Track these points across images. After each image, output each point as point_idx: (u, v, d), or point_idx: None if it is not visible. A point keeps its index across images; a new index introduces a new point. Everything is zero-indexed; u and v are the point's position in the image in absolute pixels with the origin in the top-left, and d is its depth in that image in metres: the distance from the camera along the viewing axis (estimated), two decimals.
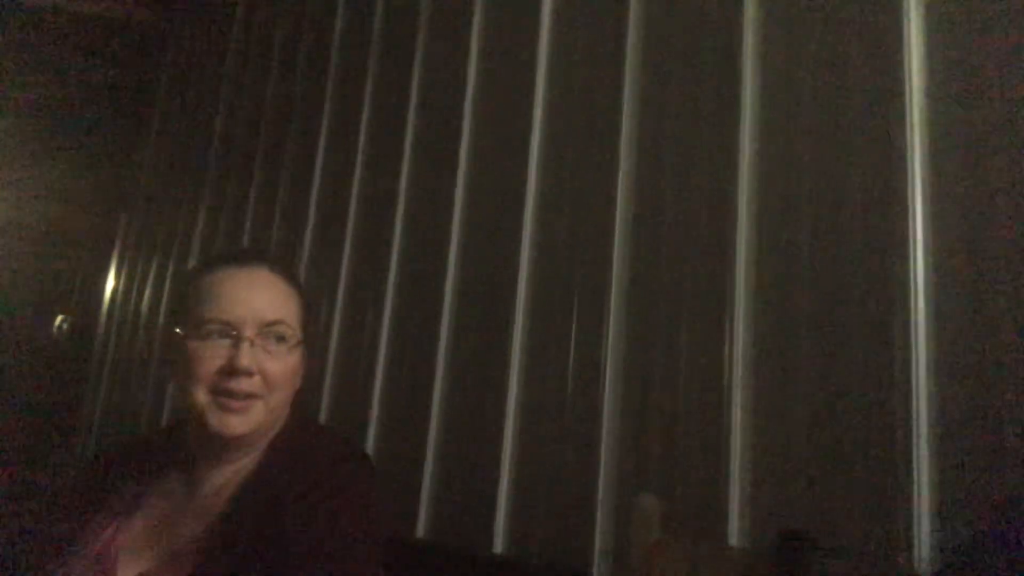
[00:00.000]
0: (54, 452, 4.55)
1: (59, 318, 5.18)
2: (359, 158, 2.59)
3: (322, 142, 2.86)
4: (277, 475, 1.11)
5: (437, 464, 1.94)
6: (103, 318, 5.01)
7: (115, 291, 4.94)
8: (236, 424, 1.10)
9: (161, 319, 3.90)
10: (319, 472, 1.10)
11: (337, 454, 1.16)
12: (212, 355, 1.10)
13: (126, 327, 4.53)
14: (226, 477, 1.14)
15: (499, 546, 1.70)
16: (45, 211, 5.09)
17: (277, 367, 1.13)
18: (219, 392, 1.10)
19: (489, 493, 1.74)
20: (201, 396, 1.10)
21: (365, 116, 2.62)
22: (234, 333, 1.11)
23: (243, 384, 1.10)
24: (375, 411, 2.21)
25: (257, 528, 1.05)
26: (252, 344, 1.10)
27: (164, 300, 3.96)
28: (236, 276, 1.15)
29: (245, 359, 1.09)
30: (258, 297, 1.14)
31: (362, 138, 2.61)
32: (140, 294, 4.39)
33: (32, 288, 5.08)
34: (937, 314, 1.16)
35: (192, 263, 3.71)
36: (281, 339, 1.14)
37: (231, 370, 1.09)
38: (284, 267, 1.22)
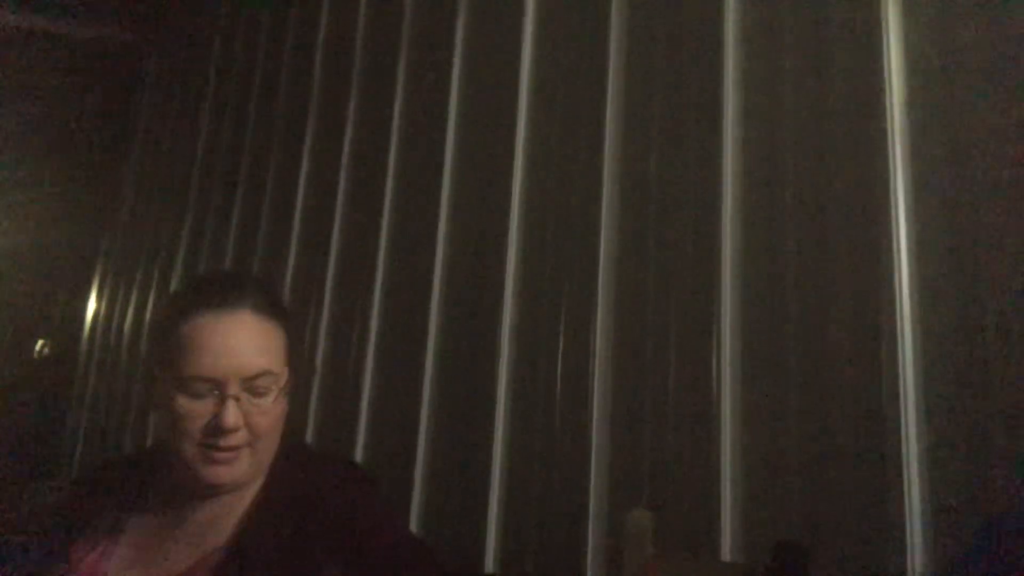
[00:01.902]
0: (36, 477, 4.49)
1: (40, 342, 5.12)
2: (343, 174, 2.59)
3: (305, 160, 2.85)
4: (278, 509, 1.11)
5: (426, 483, 1.93)
6: (84, 341, 4.96)
7: (96, 314, 4.89)
8: (224, 473, 1.10)
9: (143, 349, 3.86)
10: (337, 490, 1.11)
11: (344, 474, 1.17)
12: (198, 413, 1.08)
13: (108, 350, 4.49)
14: (220, 506, 1.13)
15: (490, 565, 1.69)
16: (25, 234, 5.05)
17: (263, 420, 1.11)
18: (206, 446, 1.09)
19: (479, 511, 1.73)
20: (188, 449, 1.09)
21: (349, 133, 2.62)
22: (216, 392, 1.09)
23: (229, 440, 1.09)
24: (362, 431, 2.19)
25: (284, 546, 1.04)
26: (237, 400, 1.09)
27: (146, 327, 3.93)
28: (217, 326, 1.11)
29: (230, 418, 1.08)
30: (240, 348, 1.11)
31: (346, 155, 2.60)
32: (122, 317, 4.35)
33: (12, 312, 5.02)
34: (923, 320, 1.16)
35: (172, 292, 3.67)
36: (266, 392, 1.12)
37: (216, 428, 1.08)
38: (266, 301, 1.17)
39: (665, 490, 1.41)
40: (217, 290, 1.17)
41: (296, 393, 1.18)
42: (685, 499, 1.37)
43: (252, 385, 1.10)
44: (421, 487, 1.93)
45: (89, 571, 1.11)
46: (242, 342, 1.11)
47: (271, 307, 1.17)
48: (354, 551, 1.04)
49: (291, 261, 2.77)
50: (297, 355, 1.19)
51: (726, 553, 1.30)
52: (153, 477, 1.19)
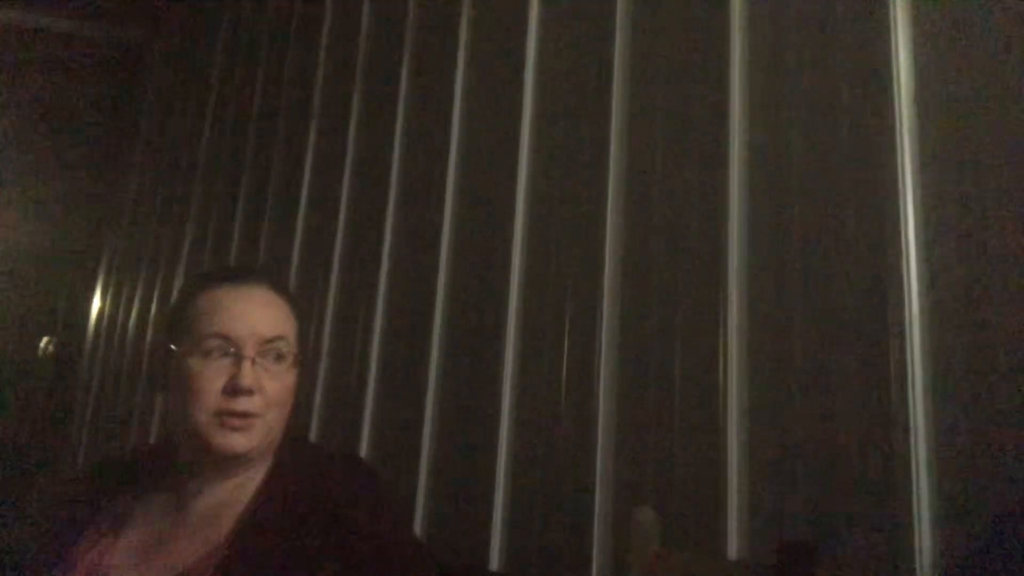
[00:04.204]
0: (41, 474, 4.50)
1: (44, 340, 5.14)
2: (347, 171, 2.59)
3: (309, 156, 2.85)
4: (293, 490, 1.11)
5: (431, 480, 1.93)
6: (89, 339, 4.97)
7: (101, 311, 4.90)
8: (239, 442, 1.10)
9: (151, 335, 3.87)
10: (340, 485, 1.11)
11: (348, 468, 1.17)
12: (214, 374, 1.10)
13: (113, 347, 4.49)
14: (225, 494, 1.13)
15: (495, 562, 1.68)
16: (29, 232, 5.05)
17: (276, 386, 1.13)
18: (220, 412, 1.09)
19: (484, 508, 1.72)
20: (203, 416, 1.10)
21: (352, 129, 2.61)
22: (233, 351, 1.10)
23: (244, 404, 1.10)
24: (366, 429, 2.19)
25: (286, 541, 1.05)
26: (253, 362, 1.10)
27: (152, 318, 3.93)
28: (236, 293, 1.15)
29: (247, 378, 1.09)
30: (258, 314, 1.14)
31: (350, 151, 2.60)
32: (127, 314, 4.36)
33: (17, 310, 5.03)
34: (932, 319, 1.16)
35: (187, 277, 3.69)
36: (280, 357, 1.14)
37: (233, 389, 1.09)
38: (282, 285, 1.23)
39: (670, 488, 1.41)
40: (234, 269, 1.23)
41: (303, 381, 1.20)
42: (691, 497, 1.37)
43: (268, 349, 1.13)
44: (426, 485, 1.93)
45: (91, 567, 1.11)
46: (260, 309, 1.15)
47: (286, 290, 1.22)
48: (353, 546, 1.04)
49: (295, 258, 2.77)
50: (304, 342, 1.22)
51: (732, 551, 1.29)
52: (156, 472, 1.20)
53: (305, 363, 1.21)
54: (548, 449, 1.65)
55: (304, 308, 1.29)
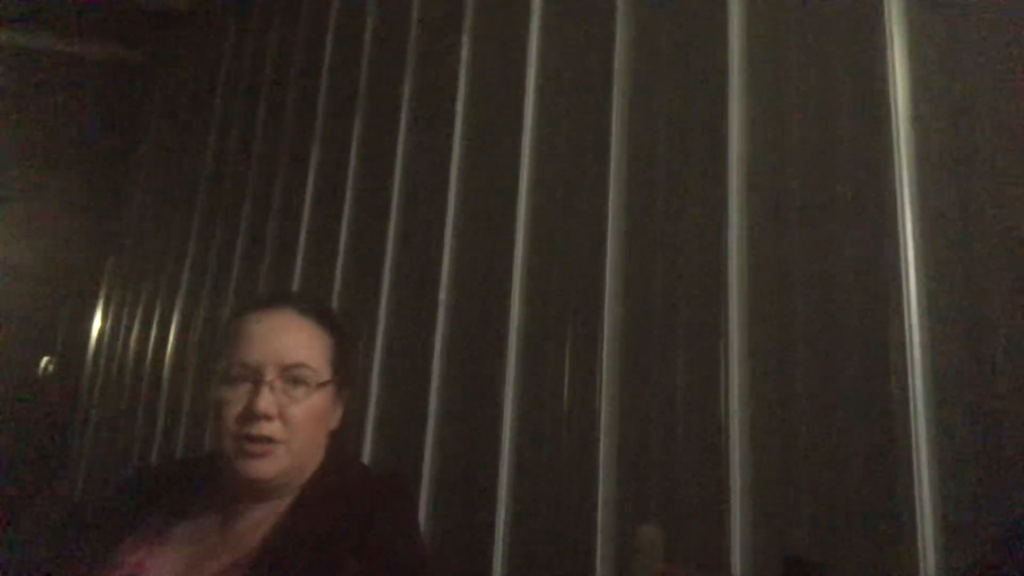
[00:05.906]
0: (41, 495, 4.48)
1: (44, 359, 5.13)
2: (349, 194, 2.60)
3: (311, 178, 2.87)
4: (311, 515, 1.11)
5: (433, 495, 1.92)
6: (89, 359, 4.96)
7: (102, 331, 4.90)
8: (259, 468, 1.12)
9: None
10: (357, 510, 1.11)
11: (374, 490, 1.17)
12: (235, 399, 1.13)
13: (113, 368, 4.49)
14: (261, 514, 1.14)
15: None
16: (31, 252, 5.07)
17: (297, 411, 1.14)
18: (242, 437, 1.11)
19: (486, 525, 1.72)
20: (228, 441, 1.12)
21: (354, 152, 2.63)
22: (255, 377, 1.12)
23: (263, 428, 1.11)
24: (368, 443, 2.19)
25: (292, 566, 1.05)
26: (272, 388, 1.12)
27: (153, 338, 3.93)
28: (260, 319, 1.18)
29: (263, 403, 1.11)
30: (280, 339, 1.16)
31: (351, 173, 2.62)
32: (127, 334, 4.36)
33: (17, 329, 5.03)
34: (933, 332, 1.16)
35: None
36: (301, 382, 1.14)
37: (250, 414, 1.10)
38: (314, 308, 1.24)
39: (674, 505, 1.41)
40: (267, 295, 1.25)
41: (348, 402, 1.21)
42: (694, 514, 1.37)
43: (289, 374, 1.14)
44: (428, 502, 1.92)
45: (133, 570, 1.12)
46: (281, 334, 1.17)
47: (317, 313, 1.23)
48: (370, 569, 1.05)
49: (297, 279, 2.78)
50: (345, 366, 1.23)
51: (736, 568, 1.29)
52: (205, 483, 1.21)
53: (348, 384, 1.22)
54: (551, 467, 1.65)
55: (347, 326, 1.28)
